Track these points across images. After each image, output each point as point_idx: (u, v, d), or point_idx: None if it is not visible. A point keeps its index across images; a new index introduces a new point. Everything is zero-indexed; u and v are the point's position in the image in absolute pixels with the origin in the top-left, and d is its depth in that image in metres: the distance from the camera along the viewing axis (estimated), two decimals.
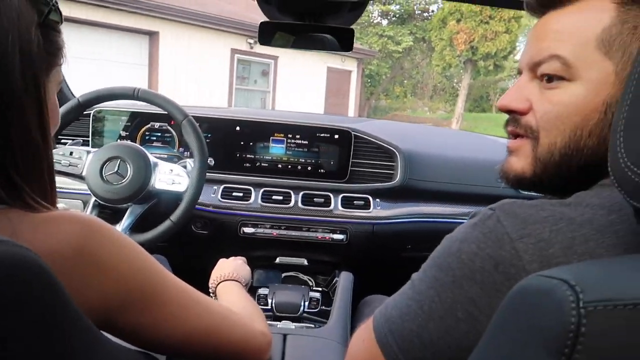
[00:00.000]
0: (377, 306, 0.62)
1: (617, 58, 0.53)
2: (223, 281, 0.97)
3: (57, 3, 0.53)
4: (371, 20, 19.39)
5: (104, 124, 1.48)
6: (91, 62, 8.15)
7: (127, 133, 1.48)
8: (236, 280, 0.97)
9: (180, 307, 0.59)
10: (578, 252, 0.46)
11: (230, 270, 1.00)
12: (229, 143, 1.47)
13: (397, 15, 19.81)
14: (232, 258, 1.11)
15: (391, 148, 1.47)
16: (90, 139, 1.46)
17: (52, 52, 0.53)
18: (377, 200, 1.45)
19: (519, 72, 0.62)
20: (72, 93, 1.55)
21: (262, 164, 1.47)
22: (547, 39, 0.57)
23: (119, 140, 1.47)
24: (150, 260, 0.57)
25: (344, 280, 1.29)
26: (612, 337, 0.31)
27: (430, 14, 19.30)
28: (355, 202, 1.44)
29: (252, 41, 10.11)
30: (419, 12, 19.78)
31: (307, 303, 1.24)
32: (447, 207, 1.50)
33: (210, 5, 9.93)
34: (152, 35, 9.16)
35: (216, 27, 9.67)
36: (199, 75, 9.80)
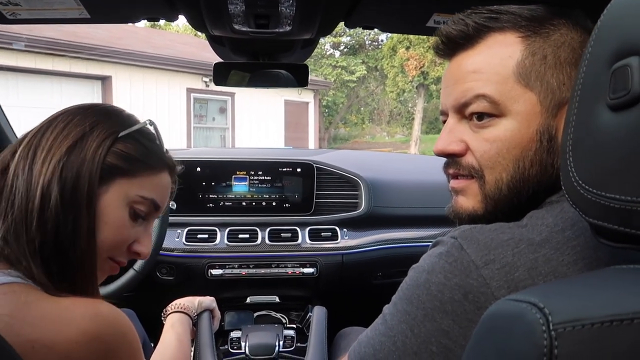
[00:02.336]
0: (353, 338, 0.62)
1: (537, 88, 0.55)
2: (172, 313, 1.04)
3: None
4: (324, 52, 19.81)
5: None
6: (41, 111, 7.93)
7: None
8: (184, 312, 1.04)
9: None
10: (542, 273, 0.47)
11: (183, 301, 1.08)
12: (191, 185, 1.44)
13: (348, 46, 20.33)
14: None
15: (354, 177, 1.49)
16: None
17: (108, 165, 0.59)
18: (344, 230, 1.46)
19: (443, 114, 0.63)
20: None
21: (226, 203, 1.46)
22: (467, 80, 0.58)
23: None
24: (139, 343, 0.58)
25: (317, 315, 1.27)
26: (584, 356, 0.31)
27: (380, 43, 19.91)
28: (322, 233, 1.44)
29: (207, 79, 10.12)
30: (369, 42, 20.39)
31: (281, 342, 1.21)
32: (414, 231, 1.51)
33: (163, 47, 9.93)
34: (104, 80, 9.03)
35: (170, 68, 9.64)
36: (156, 116, 9.56)
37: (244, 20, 0.96)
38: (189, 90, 10.27)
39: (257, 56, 1.25)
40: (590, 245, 0.48)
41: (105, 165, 0.59)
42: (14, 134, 1.53)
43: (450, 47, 0.61)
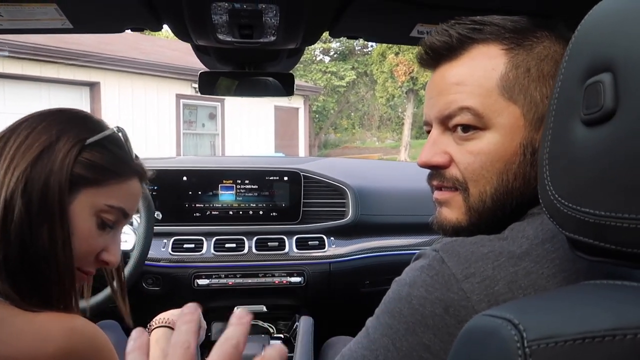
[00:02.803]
0: (340, 349, 0.61)
1: (520, 101, 0.56)
2: (156, 327, 1.02)
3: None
4: (314, 58, 19.88)
5: None
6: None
7: None
8: (168, 327, 1.02)
9: None
10: (522, 286, 0.47)
11: (167, 314, 1.06)
12: (177, 194, 1.44)
13: (338, 52, 20.42)
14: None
15: (341, 186, 1.49)
16: None
17: (75, 175, 0.58)
18: (332, 238, 1.46)
19: (426, 124, 0.64)
20: None
21: (213, 212, 1.45)
22: (451, 92, 0.58)
23: None
24: (115, 356, 0.58)
25: (304, 326, 1.27)
26: None
27: (369, 49, 20.01)
28: (310, 242, 1.43)
29: (197, 85, 10.08)
30: (359, 47, 20.48)
31: None
32: (401, 239, 1.51)
33: (151, 52, 9.90)
34: (92, 86, 8.98)
35: (159, 74, 9.62)
36: (145, 122, 9.65)
37: (228, 30, 0.96)
38: (178, 97, 10.24)
39: (243, 65, 1.25)
40: (569, 258, 0.49)
41: (73, 175, 0.57)
42: None
43: (434, 58, 0.61)
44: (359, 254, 1.45)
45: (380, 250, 1.48)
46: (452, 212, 0.61)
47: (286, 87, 1.28)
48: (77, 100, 8.87)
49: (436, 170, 0.61)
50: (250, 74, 1.25)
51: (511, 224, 0.55)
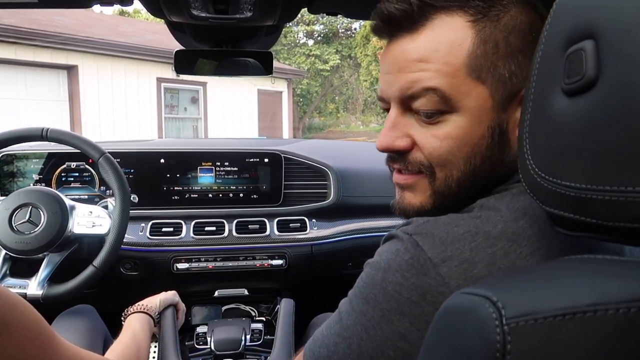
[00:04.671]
0: None
1: (489, 81, 0.52)
2: (132, 313, 1.02)
3: None
4: (297, 41, 19.67)
5: (15, 168, 1.37)
6: (4, 102, 7.66)
7: (41, 176, 1.38)
8: (144, 312, 1.03)
9: None
10: (502, 268, 0.46)
11: (144, 301, 1.07)
12: (154, 177, 1.40)
13: (322, 35, 20.22)
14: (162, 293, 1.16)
15: (323, 167, 1.47)
16: None
17: None
18: (314, 220, 1.44)
19: (382, 101, 0.59)
20: None
21: (192, 195, 1.42)
22: (413, 69, 0.53)
23: (32, 185, 1.36)
24: (47, 325, 0.55)
25: (284, 308, 1.25)
26: (537, 351, 0.30)
27: (353, 32, 19.86)
28: (291, 224, 1.41)
29: None
30: (343, 30, 20.32)
31: (248, 336, 1.19)
32: (383, 221, 1.50)
33: (130, 35, 9.68)
34: (70, 70, 8.76)
35: (139, 57, 9.41)
36: (126, 107, 9.48)
37: (202, 5, 0.93)
38: (159, 80, 10.06)
39: (220, 43, 1.21)
40: (544, 235, 0.47)
41: None
42: None
43: (392, 27, 0.55)
44: (341, 236, 1.44)
45: (363, 232, 1.47)
46: (416, 196, 0.58)
47: (265, 65, 1.25)
48: (54, 85, 8.66)
49: (398, 155, 0.57)
50: (228, 53, 1.22)
51: (472, 202, 0.53)
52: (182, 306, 1.22)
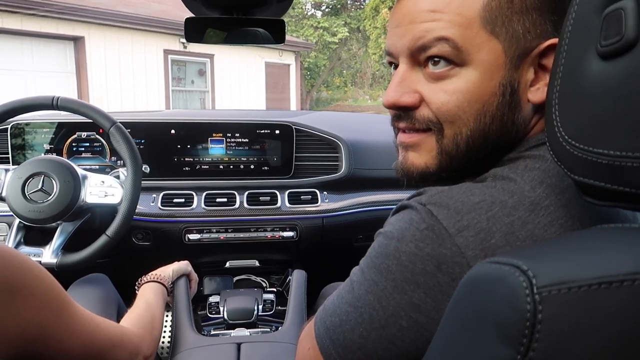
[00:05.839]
0: None
1: (502, 35, 0.50)
2: (146, 282, 1.04)
3: None
4: (305, 13, 19.36)
5: (25, 138, 1.37)
6: (11, 73, 7.65)
7: (52, 146, 1.37)
8: (158, 282, 1.04)
9: (85, 333, 0.60)
10: (520, 238, 0.45)
11: (157, 271, 1.09)
12: (165, 148, 1.40)
13: (330, 7, 19.89)
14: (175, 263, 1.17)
15: (334, 139, 1.45)
16: (10, 155, 1.35)
17: None
18: (325, 193, 1.43)
19: (390, 56, 0.57)
20: None
21: (203, 167, 1.41)
22: (425, 19, 0.51)
23: (44, 154, 1.36)
24: (62, 290, 0.56)
25: (296, 279, 1.26)
26: (570, 321, 0.30)
27: (362, 3, 19.50)
28: (302, 197, 1.41)
29: (185, 41, 9.81)
30: (351, 1, 19.96)
31: (260, 306, 1.20)
32: (395, 194, 1.50)
33: (137, 5, 9.55)
34: (77, 41, 8.69)
35: (146, 28, 9.31)
36: (133, 79, 9.43)
37: None
38: (166, 52, 9.98)
39: (231, 11, 1.18)
40: (562, 204, 0.46)
41: None
42: None
43: None
44: (352, 209, 1.44)
45: (374, 204, 1.46)
46: (421, 156, 0.56)
47: (276, 34, 1.22)
48: (61, 56, 8.62)
49: (404, 112, 0.55)
50: (239, 20, 1.19)
51: (481, 170, 0.52)
52: (195, 276, 1.23)
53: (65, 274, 1.12)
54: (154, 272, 1.08)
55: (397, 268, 0.47)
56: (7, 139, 1.35)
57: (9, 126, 1.34)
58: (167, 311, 1.24)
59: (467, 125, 0.52)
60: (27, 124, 1.36)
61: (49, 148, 1.37)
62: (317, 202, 1.40)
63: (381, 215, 1.47)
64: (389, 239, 0.49)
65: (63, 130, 1.37)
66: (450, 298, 0.39)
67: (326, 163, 1.46)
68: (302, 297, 1.18)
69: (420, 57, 0.53)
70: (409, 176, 0.58)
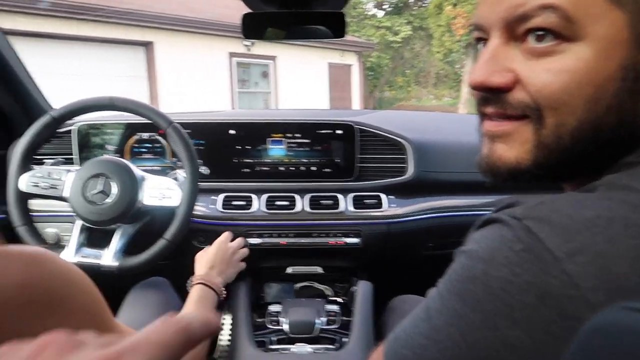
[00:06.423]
0: (408, 310, 0.49)
1: (629, 6, 0.40)
2: (196, 284, 1.02)
3: None
4: (366, 13, 19.23)
5: (90, 140, 1.38)
6: (86, 78, 8.10)
7: (115, 147, 1.38)
8: (206, 285, 1.01)
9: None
10: None
11: (204, 270, 1.06)
12: (224, 148, 1.36)
13: (392, 5, 19.63)
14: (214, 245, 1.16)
15: (400, 140, 1.35)
16: (76, 156, 1.36)
17: None
18: (390, 197, 1.33)
19: (479, 29, 0.47)
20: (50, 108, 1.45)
21: (262, 168, 1.36)
22: None
23: (105, 155, 1.36)
24: (104, 306, 0.51)
25: (362, 291, 1.17)
26: None
27: (425, 1, 19.09)
28: (366, 200, 1.32)
29: (248, 43, 9.99)
30: (414, 0, 19.59)
31: (324, 319, 1.13)
32: (467, 199, 1.37)
33: (202, 10, 9.85)
34: (147, 46, 9.09)
35: (211, 32, 9.59)
36: (201, 82, 9.73)
37: None
38: (231, 55, 10.23)
39: (288, 5, 1.12)
40: None
41: None
42: (48, 104, 1.49)
43: None
44: (420, 214, 1.33)
45: (445, 210, 1.35)
46: (512, 148, 0.46)
47: (336, 28, 1.15)
48: (132, 60, 9.04)
49: (494, 94, 0.45)
50: (297, 14, 1.13)
51: (581, 173, 0.42)
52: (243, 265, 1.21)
53: (125, 277, 1.11)
54: (202, 273, 1.07)
55: (486, 297, 0.37)
56: (72, 140, 1.36)
57: (76, 128, 1.36)
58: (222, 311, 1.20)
59: (575, 114, 0.42)
60: (91, 126, 1.37)
61: (111, 149, 1.37)
62: (381, 207, 1.31)
63: (453, 222, 1.35)
64: (474, 259, 0.39)
65: (125, 131, 1.37)
66: (559, 341, 0.30)
67: (391, 165, 1.36)
68: (368, 311, 1.09)
69: (518, 29, 0.43)
70: (495, 172, 0.48)
